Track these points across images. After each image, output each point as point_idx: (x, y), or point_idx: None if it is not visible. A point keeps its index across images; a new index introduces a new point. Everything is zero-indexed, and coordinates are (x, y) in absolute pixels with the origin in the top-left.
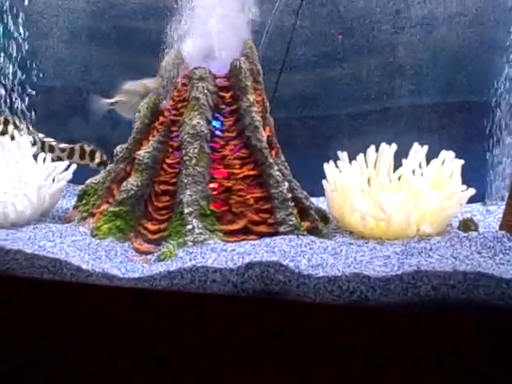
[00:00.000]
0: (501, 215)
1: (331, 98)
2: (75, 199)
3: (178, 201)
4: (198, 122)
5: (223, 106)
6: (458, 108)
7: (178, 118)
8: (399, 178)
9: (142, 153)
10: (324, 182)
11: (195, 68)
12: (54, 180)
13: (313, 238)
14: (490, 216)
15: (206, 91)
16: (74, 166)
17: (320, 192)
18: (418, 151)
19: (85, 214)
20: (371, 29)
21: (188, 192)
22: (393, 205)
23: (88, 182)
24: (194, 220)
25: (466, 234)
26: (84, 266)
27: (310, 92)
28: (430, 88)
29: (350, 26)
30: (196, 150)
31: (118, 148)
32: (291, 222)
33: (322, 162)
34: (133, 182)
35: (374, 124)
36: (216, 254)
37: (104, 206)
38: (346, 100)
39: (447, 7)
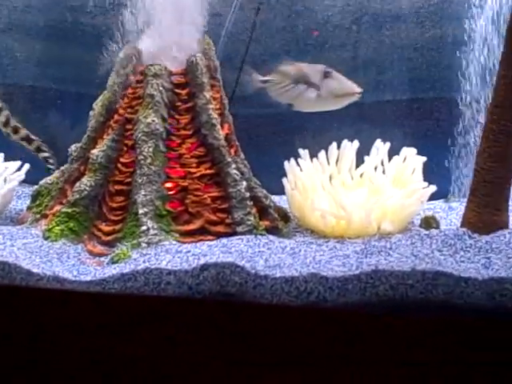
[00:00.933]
0: (463, 212)
1: None
2: (29, 200)
3: (132, 201)
4: (153, 120)
5: (179, 104)
6: (421, 104)
7: (133, 116)
8: (361, 175)
9: (96, 152)
10: (284, 180)
11: (150, 64)
12: (5, 180)
13: (271, 237)
14: (452, 213)
15: (161, 88)
16: (26, 166)
17: (282, 190)
18: (380, 148)
19: (37, 216)
20: (334, 24)
21: (143, 192)
22: (353, 203)
23: (42, 182)
24: (149, 221)
25: (427, 232)
26: (34, 270)
27: None
28: (393, 84)
29: (313, 22)
30: (151, 149)
31: (73, 147)
32: (249, 222)
33: (284, 159)
34: (86, 182)
35: (336, 120)
36: (170, 256)
37: (57, 207)
38: None
39: (412, 2)
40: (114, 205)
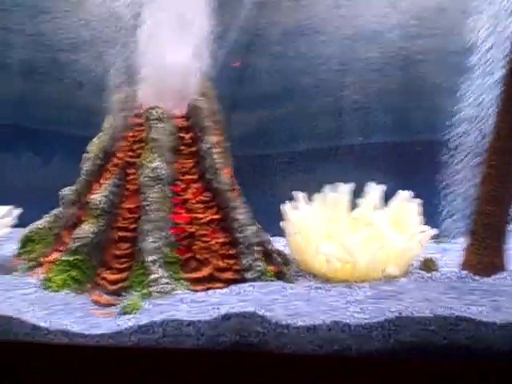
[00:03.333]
0: (456, 253)
1: (282, 135)
2: (16, 246)
3: (139, 248)
4: (158, 165)
5: (183, 148)
6: (411, 146)
7: (135, 160)
8: (356, 218)
9: (98, 197)
10: (284, 223)
11: (152, 107)
12: None
13: (281, 283)
14: (446, 254)
15: (165, 132)
16: (17, 211)
17: (272, 231)
18: (375, 190)
19: (31, 264)
20: (323, 67)
21: (150, 239)
22: (358, 247)
23: (32, 227)
24: (159, 269)
25: (429, 275)
26: (41, 324)
27: (261, 130)
28: (383, 127)
29: (303, 65)
30: (157, 195)
31: (65, 191)
32: (258, 268)
33: (273, 200)
34: (88, 228)
35: (327, 162)
36: (187, 306)
37: (54, 255)
38: (296, 138)
39: (396, 47)
40: (119, 252)
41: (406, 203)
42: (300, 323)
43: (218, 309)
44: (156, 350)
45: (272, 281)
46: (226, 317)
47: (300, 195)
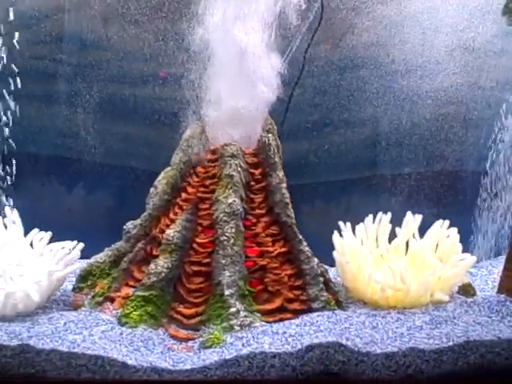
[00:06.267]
0: (485, 278)
1: (317, 166)
2: (71, 280)
3: (215, 282)
4: (234, 201)
5: (253, 183)
6: (437, 176)
7: (207, 196)
8: (396, 247)
9: (171, 232)
10: (335, 253)
11: (226, 144)
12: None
13: (344, 312)
14: (475, 279)
15: (239, 168)
16: (81, 245)
17: None
18: (411, 221)
19: (99, 299)
20: (360, 101)
21: (227, 273)
22: (411, 275)
23: (91, 261)
24: (237, 302)
25: (472, 299)
26: (129, 362)
27: (297, 160)
28: (414, 157)
29: (339, 98)
30: (233, 230)
31: (130, 225)
32: (323, 298)
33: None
34: (163, 263)
35: (360, 192)
36: (269, 338)
37: (125, 290)
38: (331, 168)
39: (428, 81)
40: (193, 286)
41: (446, 231)
42: (378, 351)
43: (298, 340)
44: (244, 382)
45: (335, 309)
46: (310, 347)
47: (346, 225)
